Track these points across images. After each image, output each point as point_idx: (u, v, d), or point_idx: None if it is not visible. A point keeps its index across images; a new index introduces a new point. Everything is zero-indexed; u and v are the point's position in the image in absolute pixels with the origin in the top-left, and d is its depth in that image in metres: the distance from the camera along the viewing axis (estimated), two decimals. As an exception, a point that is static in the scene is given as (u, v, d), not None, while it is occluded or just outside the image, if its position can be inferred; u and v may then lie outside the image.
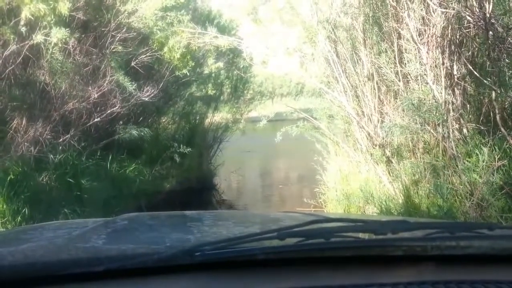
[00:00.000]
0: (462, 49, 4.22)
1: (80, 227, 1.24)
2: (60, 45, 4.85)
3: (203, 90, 8.44)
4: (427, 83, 4.18)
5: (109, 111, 5.74)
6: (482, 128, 3.96)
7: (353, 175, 5.48)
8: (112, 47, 5.60)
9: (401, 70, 4.52)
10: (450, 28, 4.10)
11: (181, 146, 7.11)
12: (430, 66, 4.16)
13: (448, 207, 3.75)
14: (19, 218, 4.15)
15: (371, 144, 5.00)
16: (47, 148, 5.11)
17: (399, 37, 4.50)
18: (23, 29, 4.71)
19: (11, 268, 0.84)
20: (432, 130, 4.23)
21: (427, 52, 4.16)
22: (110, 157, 6.13)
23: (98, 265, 0.82)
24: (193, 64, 6.53)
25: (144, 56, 6.00)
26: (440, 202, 3.85)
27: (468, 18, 3.70)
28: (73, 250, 0.95)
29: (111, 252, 0.92)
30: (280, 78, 21.02)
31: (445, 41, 4.15)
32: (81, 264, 0.86)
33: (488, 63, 3.96)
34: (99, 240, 1.07)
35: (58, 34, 4.68)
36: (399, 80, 4.57)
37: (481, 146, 3.72)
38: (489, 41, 3.65)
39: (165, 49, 5.92)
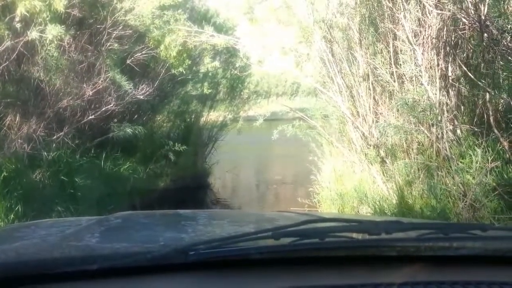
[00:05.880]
0: (457, 51, 4.24)
1: (73, 225, 1.23)
2: (55, 42, 4.82)
3: (199, 89, 8.43)
4: (422, 84, 4.20)
5: (103, 109, 5.71)
6: (476, 129, 3.99)
7: (348, 175, 5.49)
8: (108, 44, 5.57)
9: (396, 71, 4.54)
10: (445, 29, 4.13)
11: (176, 144, 7.09)
12: (425, 67, 4.18)
13: (441, 207, 3.77)
14: (11, 215, 4.12)
15: (366, 144, 5.02)
16: (40, 145, 5.07)
17: (395, 38, 4.51)
18: (18, 25, 4.68)
19: (3, 265, 0.83)
20: (426, 131, 4.25)
21: (422, 53, 4.18)
22: (104, 155, 6.10)
23: (91, 263, 0.82)
24: (189, 62, 6.52)
25: (140, 54, 5.98)
26: (434, 203, 3.88)
27: (464, 20, 3.72)
28: (66, 248, 0.95)
29: (105, 250, 0.92)
30: (276, 78, 21.01)
31: (440, 43, 4.18)
32: (74, 262, 0.85)
33: (482, 65, 3.99)
34: (92, 238, 1.06)
35: (53, 30, 4.65)
36: (394, 81, 4.58)
37: (475, 147, 3.74)
38: (484, 43, 3.68)
39: (161, 47, 5.90)
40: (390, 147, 4.72)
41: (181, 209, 1.67)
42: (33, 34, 4.65)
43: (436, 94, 4.10)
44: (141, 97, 5.99)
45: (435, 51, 4.19)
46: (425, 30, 4.16)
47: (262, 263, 0.87)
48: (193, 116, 8.77)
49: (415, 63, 4.22)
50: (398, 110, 4.54)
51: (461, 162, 3.79)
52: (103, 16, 5.54)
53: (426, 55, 4.20)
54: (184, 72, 6.52)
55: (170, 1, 5.76)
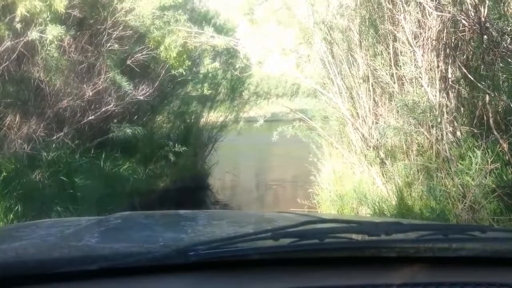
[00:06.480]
0: (457, 53, 4.25)
1: (73, 225, 1.23)
2: (55, 42, 4.82)
3: (199, 89, 8.43)
4: (421, 85, 4.20)
5: (103, 109, 5.71)
6: (476, 131, 3.99)
7: (347, 176, 5.49)
8: (108, 45, 5.58)
9: (396, 73, 4.54)
10: (445, 31, 4.13)
11: (176, 145, 7.09)
12: (425, 69, 4.19)
13: (441, 209, 3.77)
14: (11, 215, 4.12)
15: (365, 146, 5.02)
16: (40, 146, 5.08)
17: (395, 39, 4.52)
18: (18, 26, 4.68)
19: (2, 265, 0.83)
20: (426, 133, 4.25)
21: (422, 55, 4.19)
22: (104, 155, 6.10)
23: (91, 263, 0.82)
24: (189, 63, 6.52)
25: (140, 54, 5.98)
26: (433, 204, 3.88)
27: (464, 22, 3.73)
28: (66, 248, 0.95)
29: (104, 251, 0.92)
30: (276, 79, 21.04)
31: (440, 44, 4.18)
32: (74, 262, 0.85)
33: (482, 66, 3.99)
34: (92, 238, 1.06)
35: (53, 31, 4.66)
36: (394, 82, 4.59)
37: (474, 149, 3.75)
38: (484, 45, 3.68)
39: (162, 48, 5.90)
40: (389, 148, 4.73)
41: (181, 209, 1.66)
42: (33, 34, 4.65)
43: (436, 96, 4.10)
44: (141, 97, 5.99)
45: (435, 52, 4.19)
46: (425, 32, 4.16)
47: (261, 263, 0.87)
48: (193, 117, 8.77)
49: (415, 64, 4.23)
50: (398, 112, 4.54)
51: (460, 163, 3.79)
52: (103, 17, 5.55)
53: (426, 57, 4.20)
54: (184, 73, 6.52)
55: (171, 1, 5.77)
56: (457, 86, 4.25)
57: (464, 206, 3.62)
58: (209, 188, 8.63)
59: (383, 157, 4.75)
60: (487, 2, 3.46)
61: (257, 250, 0.86)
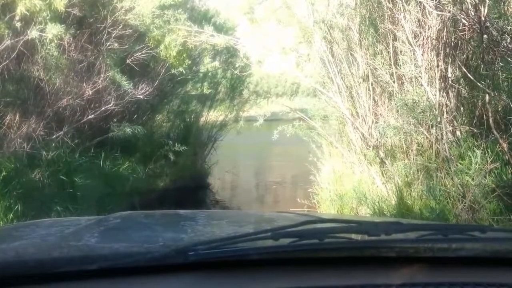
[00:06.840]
0: (457, 52, 4.25)
1: (73, 225, 1.23)
2: (55, 41, 4.82)
3: (199, 88, 8.43)
4: (421, 85, 4.21)
5: (103, 108, 5.71)
6: (475, 130, 3.99)
7: (347, 176, 5.49)
8: (108, 44, 5.58)
9: (396, 72, 4.54)
10: (445, 30, 4.13)
11: (176, 144, 7.09)
12: (425, 68, 4.19)
13: (441, 209, 3.77)
14: (11, 215, 4.12)
15: (365, 145, 5.02)
16: (40, 145, 5.08)
17: (395, 38, 4.52)
18: (18, 24, 4.68)
19: (2, 265, 0.83)
20: (425, 132, 4.25)
21: (422, 54, 4.18)
22: (103, 155, 6.10)
23: (90, 263, 0.82)
24: (189, 62, 6.52)
25: (139, 53, 5.98)
26: (433, 204, 3.88)
27: (464, 21, 3.73)
28: (65, 248, 0.95)
29: (104, 250, 0.92)
30: (276, 78, 21.06)
31: (440, 44, 4.18)
32: (73, 262, 0.85)
33: (482, 66, 3.99)
34: (92, 238, 1.06)
35: (53, 30, 4.65)
36: (394, 82, 4.59)
37: (474, 148, 3.75)
38: (484, 44, 3.68)
39: (161, 46, 5.90)
40: (389, 148, 4.73)
41: (181, 209, 1.66)
42: (33, 33, 4.65)
43: (435, 95, 4.10)
44: (141, 96, 5.99)
45: (435, 52, 4.19)
46: (425, 31, 4.16)
47: (261, 263, 0.87)
48: (192, 116, 8.76)
49: (415, 64, 4.23)
50: (397, 111, 4.54)
51: (460, 163, 3.79)
52: (103, 16, 5.54)
53: (426, 56, 4.20)
54: (184, 72, 6.52)
55: (171, 0, 5.77)
56: (456, 86, 4.25)
57: (464, 206, 3.62)
58: (209, 187, 8.63)
59: (383, 157, 4.75)
60: (487, 1, 3.46)
61: (257, 250, 0.86)
